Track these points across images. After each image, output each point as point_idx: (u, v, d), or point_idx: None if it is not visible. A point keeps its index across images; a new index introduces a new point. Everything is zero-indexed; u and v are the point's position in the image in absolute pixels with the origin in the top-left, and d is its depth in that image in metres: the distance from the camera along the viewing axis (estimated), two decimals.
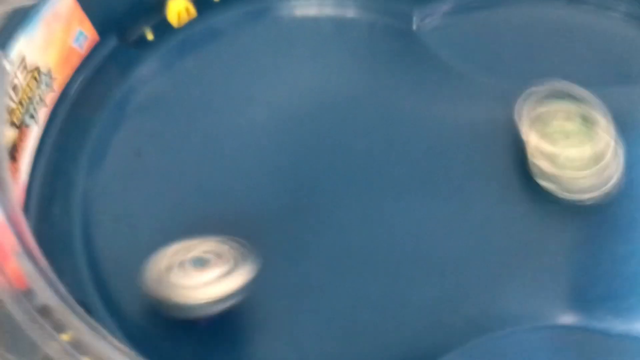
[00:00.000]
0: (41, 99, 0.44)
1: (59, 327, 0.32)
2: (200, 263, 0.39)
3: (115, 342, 0.32)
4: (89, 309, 0.35)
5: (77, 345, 0.31)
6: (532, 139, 0.44)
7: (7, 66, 0.39)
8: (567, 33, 0.49)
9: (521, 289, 0.41)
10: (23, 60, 0.41)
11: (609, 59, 0.49)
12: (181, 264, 0.39)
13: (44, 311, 0.32)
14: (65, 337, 0.32)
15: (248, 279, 0.39)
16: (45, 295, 0.32)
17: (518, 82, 0.47)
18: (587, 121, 0.44)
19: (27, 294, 0.32)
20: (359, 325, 0.41)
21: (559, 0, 0.52)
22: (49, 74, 0.44)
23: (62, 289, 0.33)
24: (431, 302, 0.41)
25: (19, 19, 0.41)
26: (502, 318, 0.40)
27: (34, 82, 0.43)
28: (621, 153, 0.43)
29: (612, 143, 0.43)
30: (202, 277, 0.39)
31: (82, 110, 0.47)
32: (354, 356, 0.40)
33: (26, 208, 0.42)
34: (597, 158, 0.42)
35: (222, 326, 0.40)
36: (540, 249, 0.42)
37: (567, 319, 0.40)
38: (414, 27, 0.50)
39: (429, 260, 0.42)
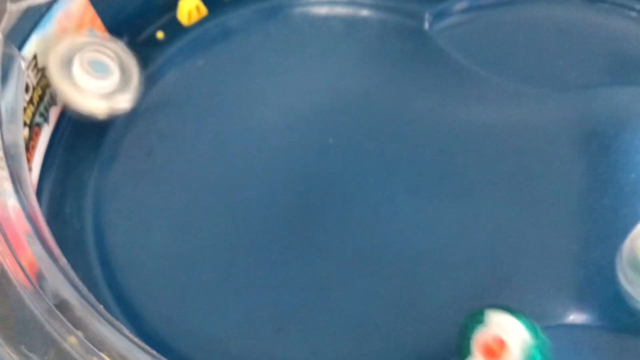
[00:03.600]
0: (52, 98, 0.44)
1: (76, 323, 0.32)
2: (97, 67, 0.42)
3: (135, 339, 0.32)
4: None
5: (95, 341, 0.31)
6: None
7: (23, 65, 0.39)
8: (581, 32, 0.49)
9: (533, 288, 0.41)
10: (34, 58, 0.41)
11: (623, 59, 0.48)
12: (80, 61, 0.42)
13: (61, 306, 0.32)
14: (81, 333, 0.32)
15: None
16: (60, 287, 0.33)
17: (531, 82, 0.47)
18: None
19: (42, 286, 0.32)
20: (371, 324, 0.41)
21: None
22: None
23: (78, 282, 0.33)
24: (443, 301, 0.41)
25: (33, 17, 0.41)
26: None
27: (45, 80, 0.42)
28: None
29: None
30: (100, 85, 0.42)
31: None
32: (366, 355, 0.40)
33: None
34: None
35: (234, 324, 0.40)
36: (553, 248, 0.42)
37: (580, 318, 0.40)
38: (426, 26, 0.50)
39: (440, 260, 0.42)
